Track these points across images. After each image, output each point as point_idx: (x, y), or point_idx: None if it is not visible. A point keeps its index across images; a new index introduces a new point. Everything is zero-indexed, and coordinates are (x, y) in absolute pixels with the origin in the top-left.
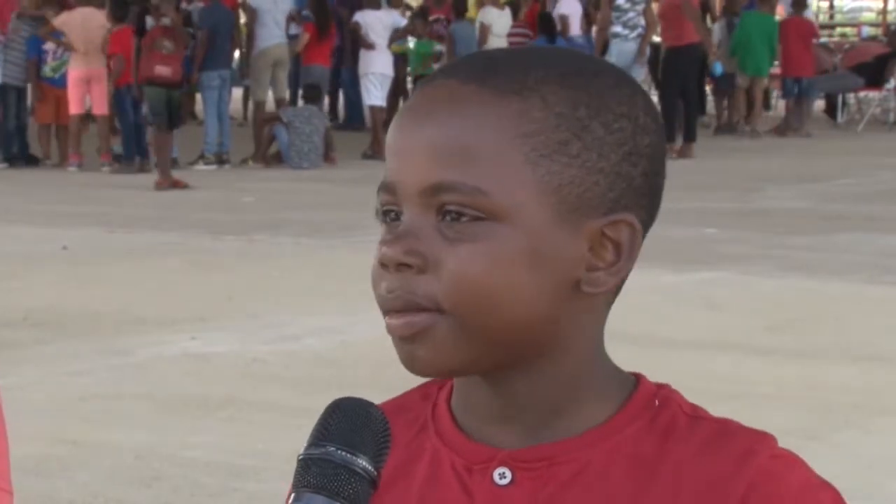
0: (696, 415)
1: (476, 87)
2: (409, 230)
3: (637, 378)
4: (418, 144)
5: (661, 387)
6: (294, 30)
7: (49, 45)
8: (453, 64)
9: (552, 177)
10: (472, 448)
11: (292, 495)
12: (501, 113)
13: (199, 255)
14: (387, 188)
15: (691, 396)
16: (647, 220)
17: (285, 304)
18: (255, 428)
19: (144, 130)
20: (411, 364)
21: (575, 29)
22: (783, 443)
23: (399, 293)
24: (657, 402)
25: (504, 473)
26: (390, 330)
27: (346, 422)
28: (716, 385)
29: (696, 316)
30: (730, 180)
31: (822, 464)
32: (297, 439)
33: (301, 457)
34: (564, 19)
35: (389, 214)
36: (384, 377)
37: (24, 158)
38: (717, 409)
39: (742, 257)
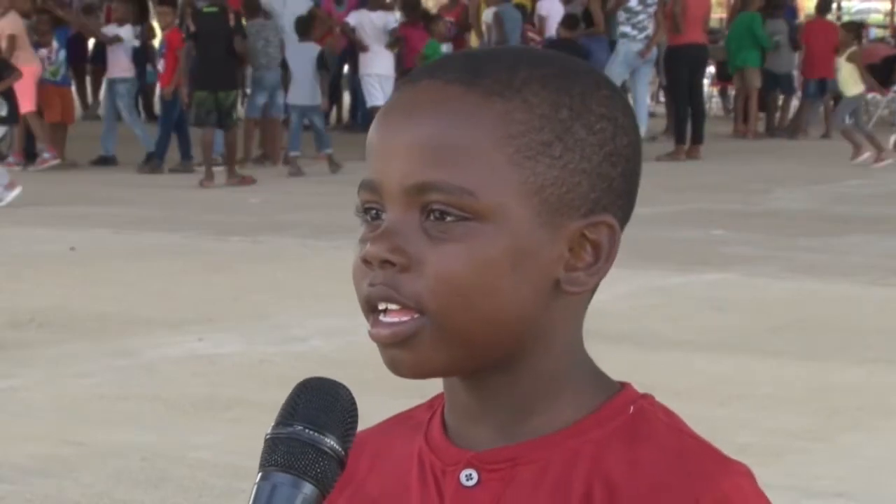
0: (675, 426)
1: (461, 89)
2: (393, 228)
3: (622, 386)
4: (403, 143)
5: (644, 396)
6: None
7: (43, 52)
8: (436, 64)
9: (536, 178)
10: (448, 450)
11: (259, 474)
12: (486, 114)
13: (206, 255)
14: (369, 186)
15: (697, 397)
16: (623, 219)
17: (292, 305)
18: (262, 429)
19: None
20: (395, 368)
21: (552, 30)
22: (788, 443)
23: (381, 287)
24: (632, 409)
25: (471, 475)
26: (375, 338)
27: (314, 401)
28: (721, 386)
29: (703, 317)
30: (736, 182)
31: (828, 465)
32: None
33: (268, 436)
34: (542, 20)
35: (370, 213)
36: (391, 379)
37: (27, 157)
38: (722, 411)
39: (749, 259)
